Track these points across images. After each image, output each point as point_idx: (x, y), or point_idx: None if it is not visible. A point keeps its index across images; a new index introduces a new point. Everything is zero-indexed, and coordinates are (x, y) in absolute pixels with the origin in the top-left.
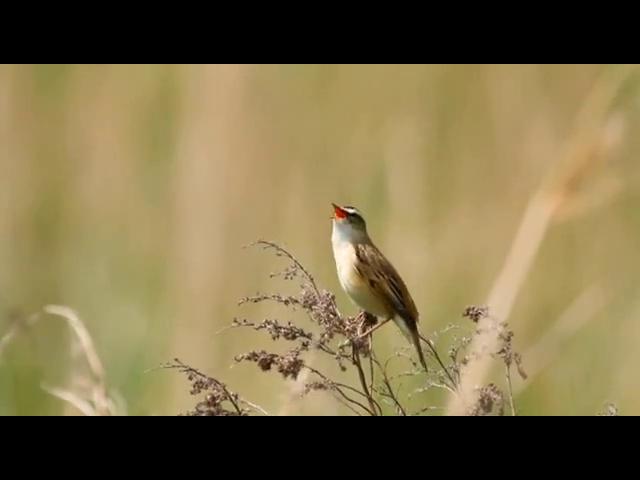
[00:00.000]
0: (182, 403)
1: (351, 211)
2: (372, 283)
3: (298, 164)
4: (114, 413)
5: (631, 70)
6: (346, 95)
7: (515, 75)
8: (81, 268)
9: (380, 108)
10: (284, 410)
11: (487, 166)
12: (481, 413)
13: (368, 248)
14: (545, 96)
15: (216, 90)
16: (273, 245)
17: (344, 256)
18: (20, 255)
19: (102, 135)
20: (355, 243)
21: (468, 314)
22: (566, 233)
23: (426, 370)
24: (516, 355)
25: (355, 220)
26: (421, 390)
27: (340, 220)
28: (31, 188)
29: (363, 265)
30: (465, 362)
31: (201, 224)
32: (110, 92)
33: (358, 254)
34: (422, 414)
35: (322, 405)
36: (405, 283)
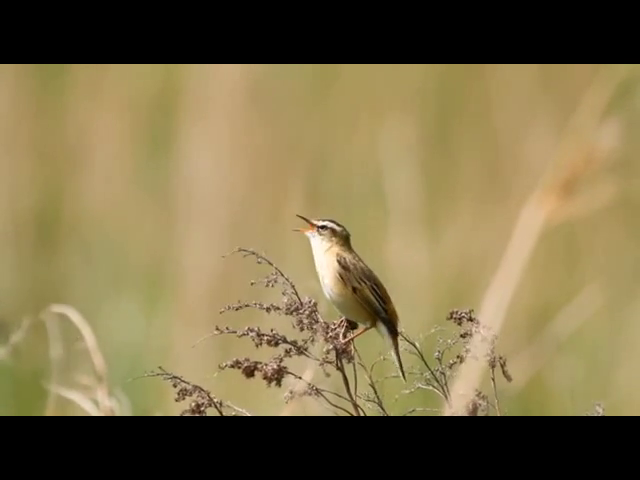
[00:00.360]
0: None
1: (320, 223)
2: (354, 290)
3: (299, 164)
4: (118, 412)
5: (629, 70)
6: (346, 95)
7: (515, 75)
8: (81, 268)
9: (380, 108)
10: (284, 413)
11: (487, 166)
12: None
13: (349, 256)
14: (545, 96)
15: (217, 90)
16: (253, 253)
17: (326, 265)
18: (20, 255)
19: (102, 134)
20: (334, 252)
21: (452, 318)
22: (566, 233)
23: (405, 379)
24: (500, 358)
25: (324, 233)
26: (407, 392)
27: (309, 232)
28: (31, 188)
29: (345, 272)
30: (450, 365)
31: (201, 224)
32: (110, 92)
33: (339, 261)
34: (408, 416)
35: (324, 408)
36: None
